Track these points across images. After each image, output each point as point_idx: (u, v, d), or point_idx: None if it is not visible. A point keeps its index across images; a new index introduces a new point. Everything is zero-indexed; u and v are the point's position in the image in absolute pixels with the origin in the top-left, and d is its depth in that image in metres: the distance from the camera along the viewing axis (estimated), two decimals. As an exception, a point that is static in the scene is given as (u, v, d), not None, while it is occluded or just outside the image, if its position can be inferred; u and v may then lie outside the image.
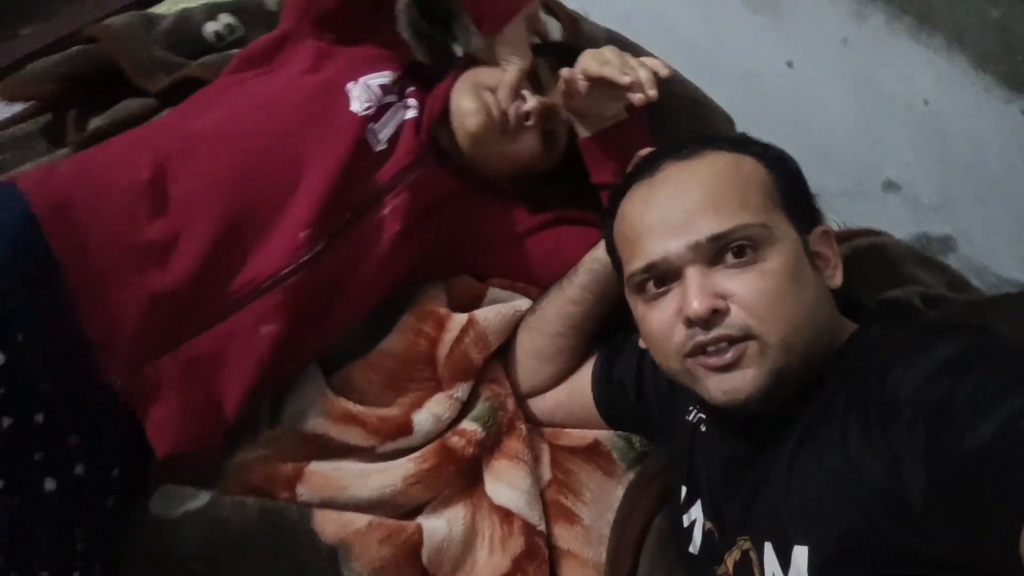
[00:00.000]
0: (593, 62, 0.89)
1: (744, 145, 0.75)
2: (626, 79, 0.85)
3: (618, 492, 0.90)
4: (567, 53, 1.00)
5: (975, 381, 0.55)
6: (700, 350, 0.65)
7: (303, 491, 0.84)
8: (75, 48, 1.13)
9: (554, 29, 1.19)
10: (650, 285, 0.70)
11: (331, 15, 0.96)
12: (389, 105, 0.95)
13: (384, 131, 0.93)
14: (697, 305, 0.64)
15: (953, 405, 0.53)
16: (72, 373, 0.76)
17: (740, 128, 1.54)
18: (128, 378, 0.79)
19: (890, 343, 0.66)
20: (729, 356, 0.64)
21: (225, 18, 1.17)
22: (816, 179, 1.44)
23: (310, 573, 0.78)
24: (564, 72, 0.91)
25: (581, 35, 1.17)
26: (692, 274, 0.66)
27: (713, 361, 0.65)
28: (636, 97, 0.86)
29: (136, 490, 0.82)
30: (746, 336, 0.64)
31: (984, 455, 0.50)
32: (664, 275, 0.68)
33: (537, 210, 1.05)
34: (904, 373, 0.59)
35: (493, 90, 0.95)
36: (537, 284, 1.01)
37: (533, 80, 0.99)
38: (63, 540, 0.75)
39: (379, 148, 0.92)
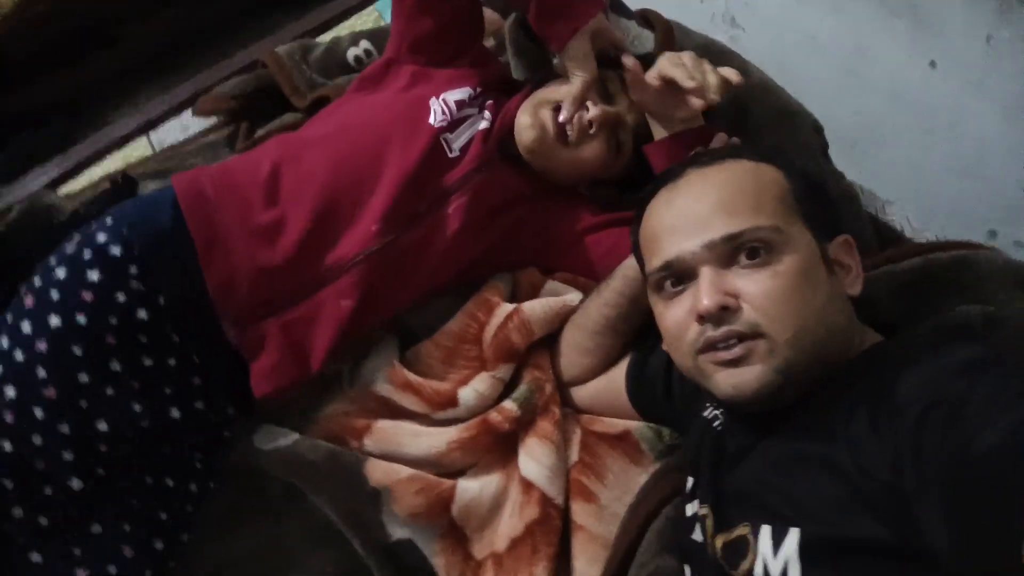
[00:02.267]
0: (667, 63, 0.94)
1: (768, 156, 0.78)
2: (690, 83, 0.89)
3: (640, 479, 0.96)
4: (644, 64, 1.06)
5: (990, 384, 0.56)
6: (711, 346, 0.69)
7: (369, 443, 1.00)
8: (252, 73, 1.40)
9: (647, 39, 1.25)
10: (667, 284, 0.75)
11: (424, 40, 1.11)
12: (466, 117, 1.08)
13: (458, 140, 1.06)
14: (707, 301, 0.68)
15: (965, 407, 0.55)
16: (199, 328, 0.98)
17: (887, 131, 1.47)
18: (241, 334, 0.99)
19: (909, 347, 0.67)
20: (737, 350, 0.68)
21: (364, 44, 1.38)
22: (956, 192, 1.37)
23: (357, 508, 0.94)
24: (627, 61, 0.97)
25: (675, 44, 1.22)
26: (706, 272, 0.70)
27: (722, 355, 0.69)
28: (696, 102, 0.90)
29: (247, 424, 1.04)
30: (755, 334, 0.67)
31: (992, 459, 0.51)
32: (680, 274, 0.73)
33: (604, 210, 1.13)
34: (918, 373, 0.61)
35: (556, 104, 1.04)
36: (597, 280, 1.09)
37: (602, 91, 1.06)
38: (184, 458, 0.98)
39: (452, 155, 1.05)
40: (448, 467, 1.00)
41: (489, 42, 1.39)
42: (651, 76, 0.95)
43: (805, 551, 0.62)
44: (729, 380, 0.69)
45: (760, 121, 1.14)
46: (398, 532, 0.94)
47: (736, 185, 0.74)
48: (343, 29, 1.56)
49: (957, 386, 0.57)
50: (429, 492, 0.95)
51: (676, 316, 0.73)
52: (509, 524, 0.93)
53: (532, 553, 0.90)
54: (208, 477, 1.01)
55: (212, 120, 1.43)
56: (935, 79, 1.45)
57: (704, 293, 0.69)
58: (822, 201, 0.78)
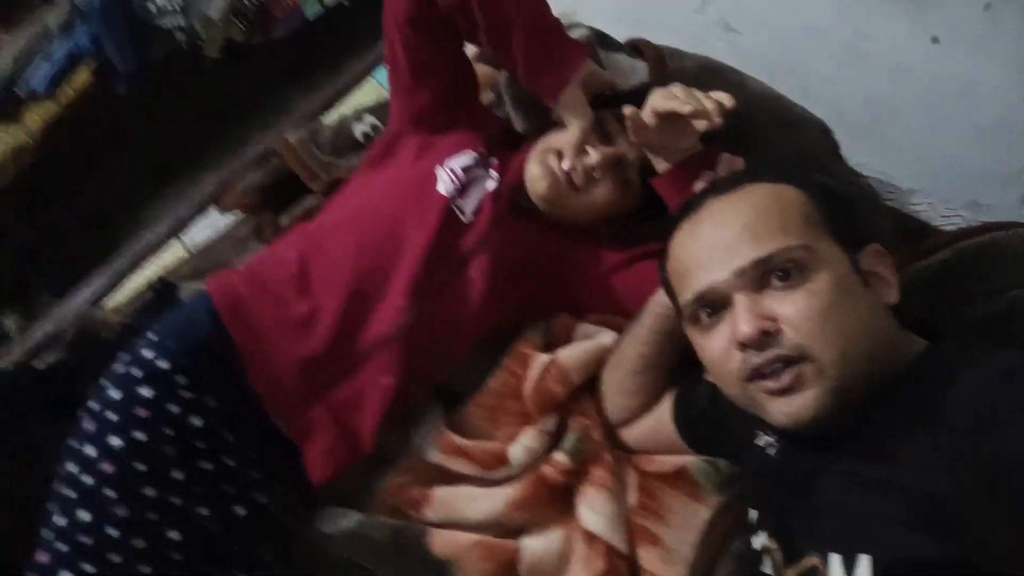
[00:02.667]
0: (659, 98, 0.94)
1: (784, 175, 0.78)
2: (688, 108, 0.89)
3: (703, 514, 0.95)
4: (639, 97, 1.07)
5: None
6: (757, 373, 0.69)
7: (428, 512, 1.02)
8: (268, 163, 1.45)
9: (641, 69, 1.26)
10: (703, 315, 0.74)
11: (424, 112, 1.14)
12: (474, 180, 1.10)
13: (469, 204, 1.08)
14: (746, 328, 0.67)
15: (1014, 414, 0.54)
16: (251, 424, 1.01)
17: (900, 111, 1.45)
18: (291, 423, 1.02)
19: (958, 355, 0.66)
20: (786, 379, 0.67)
21: (369, 119, 1.42)
22: (980, 161, 1.34)
23: (426, 582, 0.96)
24: (626, 110, 0.97)
25: (668, 72, 1.23)
26: (740, 299, 0.70)
27: (771, 384, 0.68)
28: (700, 124, 0.91)
29: (310, 509, 1.07)
30: (801, 357, 0.67)
31: None
32: (714, 304, 0.73)
33: (627, 246, 1.13)
34: (970, 382, 0.60)
35: (560, 152, 1.06)
36: (628, 317, 1.09)
37: (601, 133, 1.08)
38: (253, 551, 1.01)
39: (466, 220, 1.08)
40: (509, 526, 1.00)
41: (487, 96, 1.42)
42: (646, 115, 0.96)
43: None
44: (784, 409, 0.68)
45: (764, 132, 1.13)
46: (470, 601, 0.95)
47: (758, 208, 0.73)
48: (347, 105, 1.61)
49: (1008, 394, 0.56)
50: (495, 557, 0.96)
51: (717, 347, 0.73)
52: (578, 579, 0.94)
53: (605, 605, 0.90)
54: (278, 567, 1.03)
55: (237, 215, 1.49)
56: (939, 53, 1.43)
57: (742, 320, 0.68)
58: (846, 212, 0.77)
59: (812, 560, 0.69)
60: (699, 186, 0.97)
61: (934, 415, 0.61)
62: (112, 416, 0.95)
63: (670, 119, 0.94)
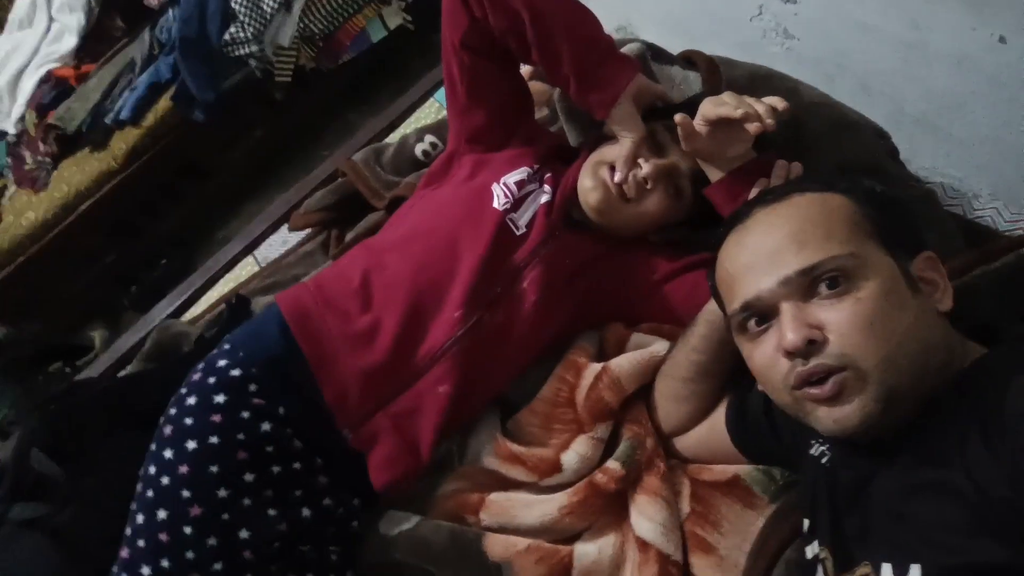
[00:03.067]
0: (710, 106, 0.96)
1: (832, 183, 0.78)
2: (739, 112, 0.90)
3: (758, 523, 0.94)
4: (692, 108, 1.09)
5: None
6: (804, 381, 0.69)
7: (485, 516, 1.04)
8: (333, 183, 1.52)
9: (694, 81, 1.27)
10: (751, 324, 0.75)
11: (479, 131, 1.19)
12: (529, 194, 1.13)
13: (523, 218, 1.12)
14: (792, 336, 0.68)
15: None
16: (317, 432, 1.06)
17: (963, 106, 1.41)
18: (356, 431, 1.07)
19: (1012, 359, 0.65)
20: (828, 387, 0.68)
21: (429, 138, 1.47)
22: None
23: (483, 584, 0.98)
24: (677, 117, 0.99)
25: (721, 82, 1.23)
26: (787, 308, 0.70)
27: (817, 392, 0.68)
28: (752, 126, 0.91)
29: (373, 513, 1.11)
30: (843, 365, 0.67)
31: None
32: (762, 313, 0.74)
33: (680, 255, 1.14)
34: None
35: (613, 164, 1.08)
36: (681, 325, 1.10)
37: (652, 145, 1.09)
38: (321, 552, 1.05)
39: (519, 233, 1.11)
40: (563, 533, 1.02)
41: (542, 112, 1.46)
42: (697, 123, 0.97)
43: None
44: (831, 416, 0.69)
45: (818, 137, 1.12)
46: (525, 604, 0.96)
47: (804, 216, 0.74)
48: (408, 126, 1.67)
49: None
50: (549, 560, 0.97)
51: (764, 354, 0.73)
52: (631, 585, 0.94)
53: (658, 613, 0.90)
54: (344, 568, 1.07)
55: (306, 231, 1.56)
56: (1006, 52, 1.38)
57: (788, 329, 0.69)
58: (897, 219, 0.76)
59: (864, 569, 0.68)
60: (753, 194, 0.98)
61: (989, 420, 0.60)
62: (188, 421, 1.02)
63: (721, 125, 0.95)
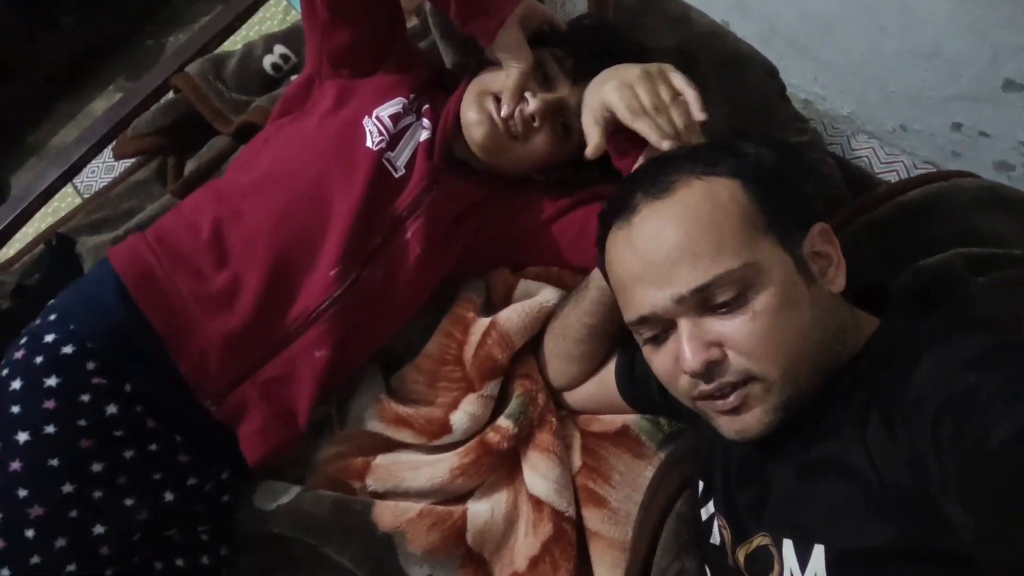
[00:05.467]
0: (624, 109, 0.80)
1: (717, 162, 0.71)
2: (665, 145, 0.77)
3: (647, 473, 0.96)
4: (580, 33, 1.00)
5: (1001, 376, 0.54)
6: (708, 396, 0.69)
7: (371, 481, 0.99)
8: (163, 100, 1.30)
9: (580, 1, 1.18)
10: (646, 333, 0.73)
11: (344, 52, 1.03)
12: (406, 129, 1.01)
13: (401, 157, 1.00)
14: (692, 362, 0.66)
15: (977, 401, 0.53)
16: (174, 406, 0.94)
17: (835, 30, 1.39)
18: (220, 403, 0.96)
19: (914, 340, 0.65)
20: (732, 400, 0.67)
21: (279, 48, 1.28)
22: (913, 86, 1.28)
23: (373, 556, 0.94)
24: (588, 153, 0.84)
25: (608, 6, 1.14)
26: (684, 326, 0.68)
27: (720, 404, 0.68)
28: (665, 145, 0.78)
29: (245, 484, 1.03)
30: (747, 379, 0.66)
31: (1008, 452, 0.49)
32: (658, 324, 0.71)
33: (566, 194, 1.08)
34: (929, 370, 0.60)
35: (498, 96, 0.98)
36: (569, 267, 1.06)
37: (540, 77, 1.00)
38: (189, 534, 0.96)
39: (399, 175, 1.00)
40: (454, 493, 0.99)
41: (411, 21, 1.30)
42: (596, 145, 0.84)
43: (832, 567, 0.62)
44: (732, 426, 0.69)
45: (709, 70, 1.08)
46: (418, 572, 0.94)
47: (692, 219, 0.68)
48: (252, 27, 1.45)
49: (966, 381, 0.55)
50: (442, 526, 0.94)
51: (664, 365, 0.72)
52: (525, 543, 0.94)
53: (553, 571, 0.91)
54: (217, 545, 0.99)
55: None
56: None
57: (688, 352, 0.67)
58: (787, 195, 0.72)
59: (762, 540, 0.70)
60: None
61: (889, 404, 0.61)
62: (15, 409, 0.87)
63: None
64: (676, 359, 0.69)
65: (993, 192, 0.97)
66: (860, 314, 0.73)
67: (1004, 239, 0.90)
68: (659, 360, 0.72)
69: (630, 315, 0.73)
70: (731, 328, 0.66)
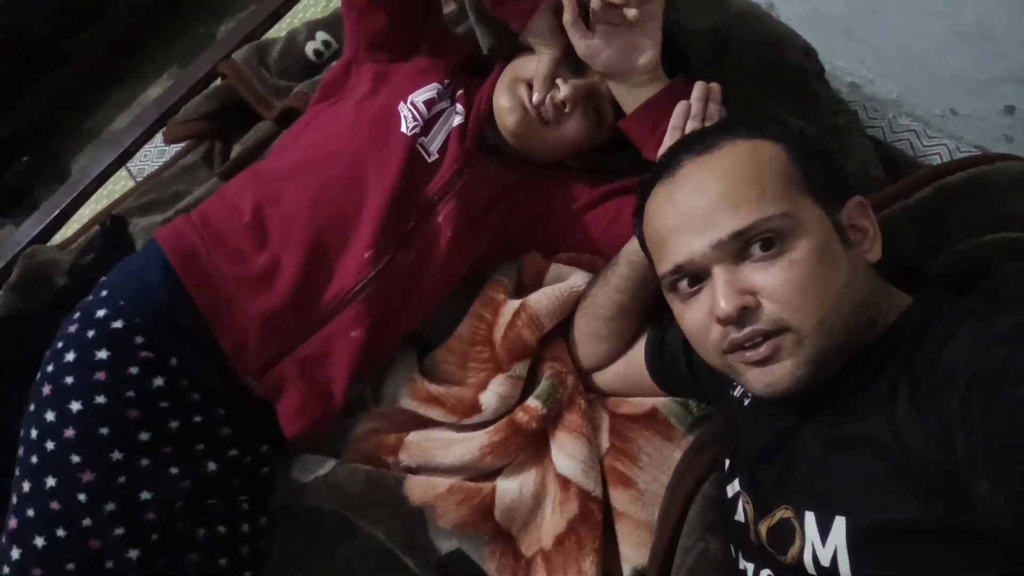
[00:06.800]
0: None
1: (761, 127, 0.74)
2: None
3: (675, 455, 0.96)
4: None
5: None
6: (738, 347, 0.68)
7: (404, 457, 1.02)
8: (211, 86, 1.34)
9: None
10: (682, 284, 0.72)
11: (380, 35, 1.05)
12: (440, 114, 1.03)
13: (434, 143, 1.02)
14: (725, 305, 0.66)
15: (1011, 375, 0.53)
16: (217, 381, 0.98)
17: (878, 12, 1.36)
18: (260, 379, 1.00)
19: (946, 316, 0.65)
20: (763, 350, 0.66)
21: (321, 35, 1.31)
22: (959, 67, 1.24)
23: (404, 529, 0.97)
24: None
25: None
26: (719, 273, 0.68)
27: (750, 355, 0.67)
28: (631, 12, 0.85)
29: (284, 458, 1.06)
30: (780, 329, 0.66)
31: None
32: (693, 275, 0.71)
33: (601, 181, 1.09)
34: (961, 345, 0.59)
35: (531, 83, 0.99)
36: (601, 255, 1.06)
37: (572, 63, 1.00)
38: (230, 503, 1.00)
39: (431, 160, 1.01)
40: (483, 471, 1.01)
41: (449, 7, 1.32)
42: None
43: (853, 539, 0.62)
44: (761, 379, 0.68)
45: (744, 52, 1.06)
46: (446, 545, 0.96)
47: (736, 172, 0.70)
48: (296, 14, 1.48)
49: (999, 355, 0.54)
50: (471, 500, 0.97)
51: (696, 317, 0.71)
52: (552, 521, 0.95)
53: (578, 548, 0.92)
54: (257, 515, 1.03)
55: (185, 142, 1.40)
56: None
57: (722, 297, 0.66)
58: (827, 165, 0.74)
59: (785, 512, 0.70)
60: (674, 124, 0.92)
61: (918, 379, 0.60)
62: (69, 380, 0.92)
63: (617, 31, 0.89)
64: (709, 311, 0.68)
65: (1035, 174, 0.94)
66: (894, 291, 0.73)
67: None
68: (691, 314, 0.72)
69: (666, 265, 0.72)
70: (767, 276, 0.66)
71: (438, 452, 1.01)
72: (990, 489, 0.52)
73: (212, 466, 0.98)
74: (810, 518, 0.66)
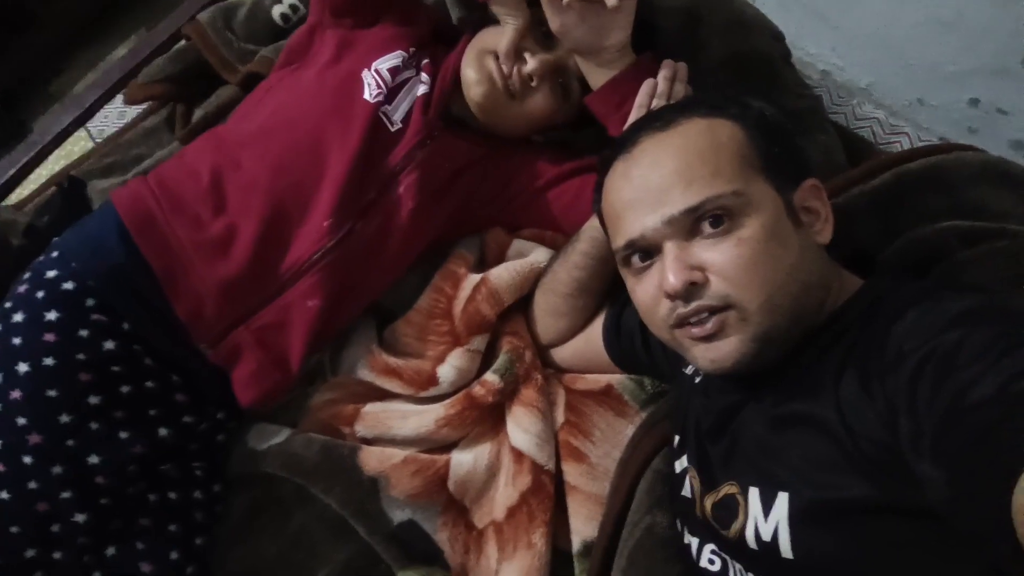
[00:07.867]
0: None
1: (721, 106, 0.74)
2: None
3: (628, 431, 0.97)
4: None
5: (984, 335, 0.55)
6: (684, 321, 0.69)
7: (360, 428, 1.02)
8: (175, 48, 1.31)
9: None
10: (635, 259, 0.73)
11: (346, 1, 1.03)
12: (404, 83, 1.01)
13: (398, 112, 1.00)
14: (673, 280, 0.67)
15: (960, 357, 0.54)
16: (171, 347, 0.97)
17: (855, 6, 1.36)
18: (215, 346, 0.99)
19: (897, 299, 0.66)
20: (710, 326, 0.67)
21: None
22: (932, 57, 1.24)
23: (357, 498, 0.97)
24: None
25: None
26: (669, 248, 0.69)
27: (696, 331, 0.68)
28: (610, 2, 0.83)
29: (240, 425, 1.05)
30: (726, 305, 0.67)
31: (983, 410, 0.50)
32: (645, 250, 0.72)
33: (565, 159, 1.08)
34: (911, 327, 0.60)
35: (498, 54, 0.98)
36: (563, 232, 1.06)
37: (539, 36, 0.99)
38: (184, 469, 1.00)
39: (395, 128, 1.00)
40: (439, 443, 1.01)
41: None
42: None
43: (795, 514, 0.63)
44: (707, 355, 0.69)
45: (713, 33, 1.06)
46: (399, 515, 0.96)
47: (691, 150, 0.70)
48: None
49: (948, 340, 0.55)
50: (425, 472, 0.97)
51: (647, 292, 0.73)
52: (505, 493, 0.96)
53: (529, 520, 0.93)
54: (211, 482, 1.03)
55: (146, 104, 1.37)
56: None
57: (670, 271, 0.67)
58: (784, 146, 0.74)
59: (730, 488, 0.71)
60: (639, 101, 0.92)
61: (867, 360, 0.61)
62: (17, 341, 0.90)
63: (591, 10, 0.87)
64: (659, 286, 0.69)
65: (998, 167, 0.95)
66: (846, 274, 0.74)
67: (1005, 215, 0.89)
68: (642, 288, 0.73)
69: (619, 240, 0.73)
70: (715, 253, 0.67)
71: (394, 423, 1.01)
72: (933, 469, 0.52)
73: (165, 432, 0.97)
74: (754, 493, 0.67)
